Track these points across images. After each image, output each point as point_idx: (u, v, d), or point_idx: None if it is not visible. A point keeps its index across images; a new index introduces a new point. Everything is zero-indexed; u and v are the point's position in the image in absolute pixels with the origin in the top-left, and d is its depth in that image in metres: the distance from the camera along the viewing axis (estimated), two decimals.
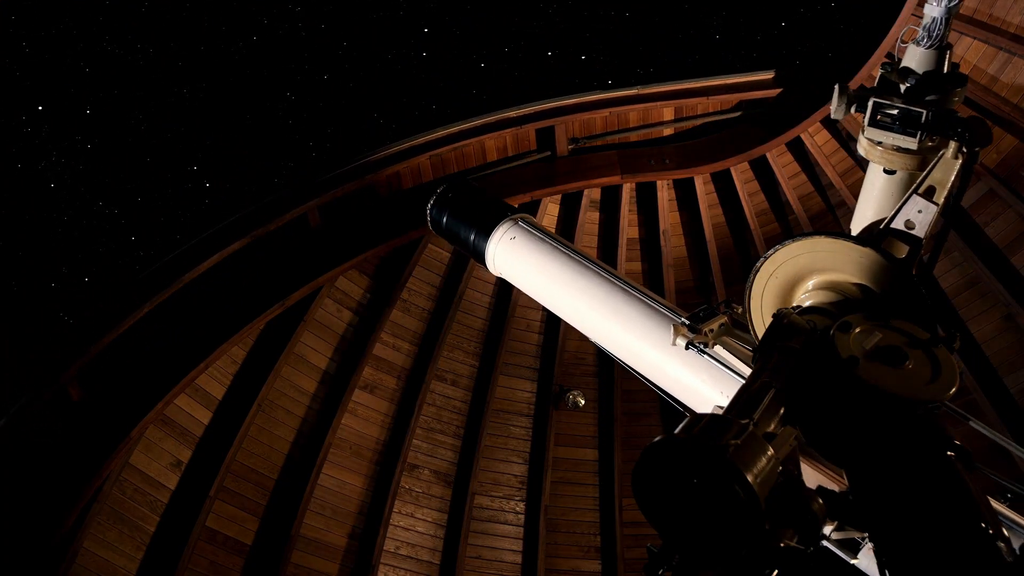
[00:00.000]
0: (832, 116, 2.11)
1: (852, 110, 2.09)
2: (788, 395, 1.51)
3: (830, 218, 7.52)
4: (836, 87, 2.08)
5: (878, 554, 1.34)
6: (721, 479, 1.22)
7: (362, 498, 6.98)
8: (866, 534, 1.42)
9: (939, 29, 2.04)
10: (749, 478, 1.21)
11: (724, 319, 2.08)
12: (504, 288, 7.60)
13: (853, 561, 1.55)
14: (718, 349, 2.05)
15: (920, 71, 2.08)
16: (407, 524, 7.07)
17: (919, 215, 1.94)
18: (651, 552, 1.33)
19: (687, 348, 2.03)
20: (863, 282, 1.84)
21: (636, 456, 1.31)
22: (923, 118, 1.98)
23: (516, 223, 2.65)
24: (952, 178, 1.99)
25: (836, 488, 1.56)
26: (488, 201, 2.81)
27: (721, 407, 1.92)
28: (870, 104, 2.03)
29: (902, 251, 1.93)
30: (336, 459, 6.86)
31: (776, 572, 1.25)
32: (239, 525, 6.35)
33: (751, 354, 2.03)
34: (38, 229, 16.55)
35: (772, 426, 1.43)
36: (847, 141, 7.26)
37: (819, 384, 1.56)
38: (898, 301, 1.79)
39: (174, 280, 5.92)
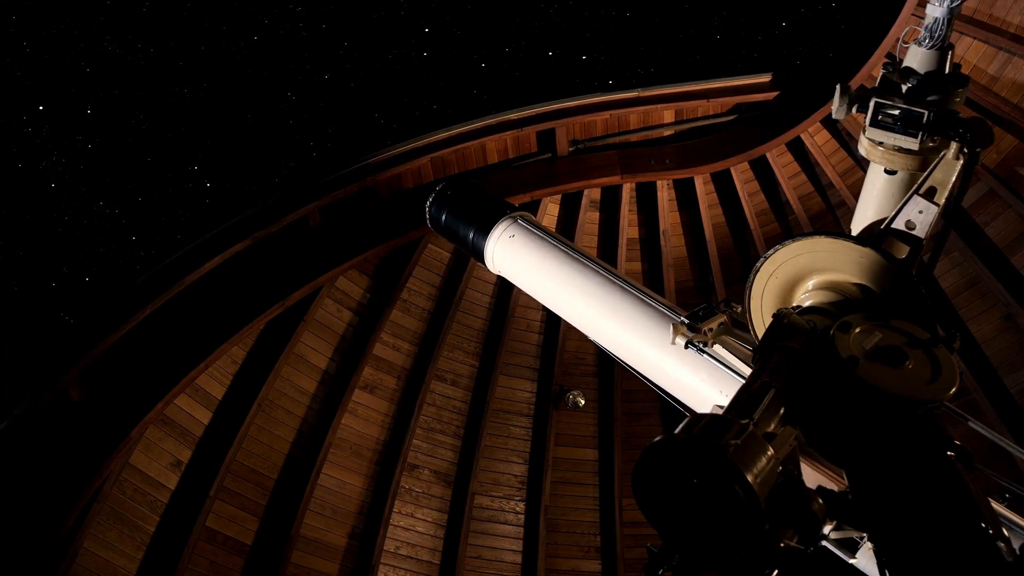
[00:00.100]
0: (833, 116, 2.11)
1: (853, 110, 2.09)
2: (788, 395, 1.51)
3: (830, 218, 7.52)
4: (838, 87, 2.08)
5: (878, 554, 1.34)
6: (721, 479, 1.22)
7: (362, 498, 6.98)
8: (864, 534, 1.42)
9: (941, 29, 2.04)
10: (749, 478, 1.21)
11: (723, 318, 2.09)
12: (504, 288, 7.60)
13: (851, 561, 1.55)
14: (717, 348, 2.05)
15: (922, 71, 2.08)
16: (407, 524, 7.07)
17: (920, 216, 1.94)
18: (651, 552, 1.33)
19: (686, 347, 2.03)
20: (863, 282, 1.84)
21: (636, 456, 1.31)
22: (925, 118, 1.98)
23: (515, 221, 2.65)
24: (953, 179, 1.99)
25: (836, 488, 1.56)
26: (487, 199, 2.81)
27: (720, 406, 1.92)
28: (872, 104, 2.03)
29: (903, 251, 1.93)
30: (336, 459, 6.86)
31: (776, 572, 1.25)
32: (239, 525, 6.35)
33: (750, 353, 2.03)
34: (39, 229, 16.56)
35: (772, 426, 1.43)
36: (847, 141, 7.26)
37: (819, 384, 1.56)
38: (898, 301, 1.79)
39: (175, 282, 5.93)
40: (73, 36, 16.84)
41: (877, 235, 1.98)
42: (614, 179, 7.40)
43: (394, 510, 7.00)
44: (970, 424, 1.81)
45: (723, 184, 7.73)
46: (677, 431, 1.32)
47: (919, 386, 1.47)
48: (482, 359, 7.58)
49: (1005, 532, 1.22)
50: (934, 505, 1.27)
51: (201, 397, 6.30)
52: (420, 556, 7.04)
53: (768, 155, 7.45)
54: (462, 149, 6.91)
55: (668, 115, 7.41)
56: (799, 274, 1.93)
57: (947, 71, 2.10)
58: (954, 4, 2.02)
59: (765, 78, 7.28)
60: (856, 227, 2.31)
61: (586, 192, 7.56)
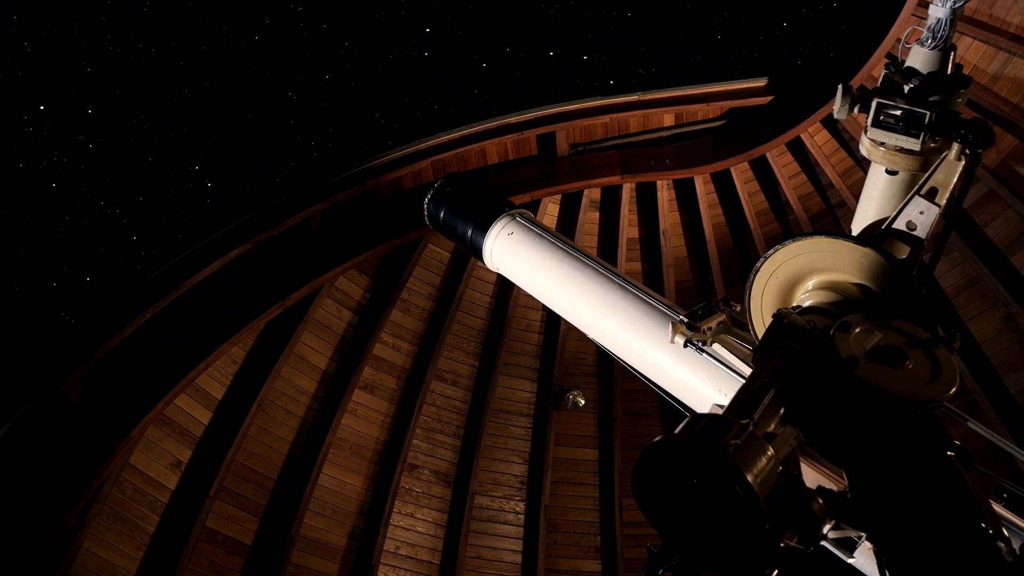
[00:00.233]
0: (835, 116, 2.10)
1: (855, 110, 2.09)
2: (788, 395, 1.51)
3: (830, 218, 7.52)
4: (840, 87, 2.08)
5: (878, 554, 1.34)
6: (721, 479, 1.22)
7: (362, 498, 6.98)
8: (862, 533, 1.42)
9: (944, 30, 2.04)
10: (749, 478, 1.21)
11: (723, 317, 2.09)
12: (504, 288, 7.60)
13: (850, 560, 1.55)
14: (716, 347, 2.05)
15: (924, 72, 2.08)
16: (407, 524, 7.07)
17: (921, 216, 1.94)
18: (651, 552, 1.33)
19: (685, 346, 2.03)
20: (863, 282, 1.84)
21: (636, 456, 1.31)
22: (926, 119, 1.97)
23: (514, 218, 2.65)
24: (954, 180, 1.99)
25: (836, 488, 1.56)
26: (486, 196, 2.80)
27: (719, 405, 1.92)
28: (873, 104, 2.03)
29: (903, 252, 1.93)
30: (336, 459, 6.86)
31: (776, 572, 1.25)
32: (239, 525, 6.35)
33: (749, 352, 2.03)
34: (40, 229, 16.56)
35: (772, 426, 1.43)
36: (847, 141, 7.26)
37: (819, 384, 1.56)
38: (898, 301, 1.79)
39: (177, 286, 5.95)
40: (74, 36, 16.84)
41: (878, 235, 1.97)
42: (614, 179, 7.40)
43: (394, 510, 7.00)
44: (969, 424, 1.81)
45: (723, 184, 7.73)
46: (677, 431, 1.32)
47: (919, 386, 1.47)
48: (482, 359, 7.58)
49: (1005, 532, 1.22)
50: (934, 505, 1.27)
51: (201, 397, 6.30)
52: (420, 556, 7.04)
53: (768, 155, 7.45)
54: (462, 152, 6.92)
55: (668, 119, 7.42)
56: (799, 274, 1.93)
57: (949, 71, 2.09)
58: (957, 5, 2.01)
59: (764, 82, 7.29)
60: (857, 227, 2.31)
61: (586, 192, 7.56)
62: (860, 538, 1.44)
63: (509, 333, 7.59)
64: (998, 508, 1.72)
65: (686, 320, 2.04)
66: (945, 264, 6.65)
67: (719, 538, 1.24)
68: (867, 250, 1.80)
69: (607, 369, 7.64)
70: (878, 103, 2.02)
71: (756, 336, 2.04)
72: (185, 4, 17.66)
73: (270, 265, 6.54)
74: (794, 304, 1.96)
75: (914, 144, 2.02)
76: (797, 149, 7.49)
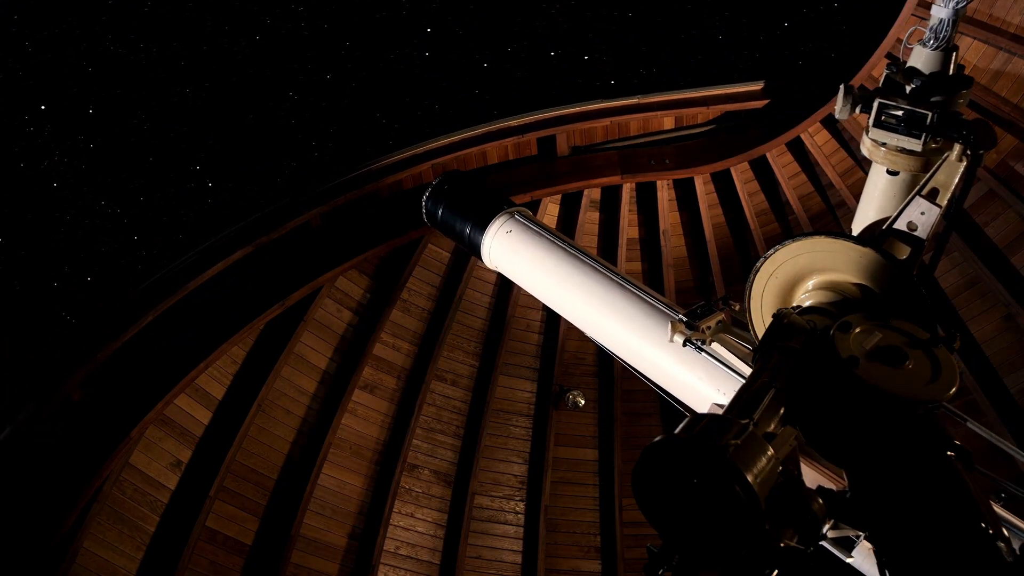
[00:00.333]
0: (837, 116, 2.10)
1: (857, 110, 2.09)
2: (788, 395, 1.51)
3: (830, 218, 7.52)
4: (842, 87, 2.07)
5: (878, 554, 1.34)
6: (721, 479, 1.22)
7: (362, 498, 6.98)
8: (861, 532, 1.42)
9: (946, 30, 2.04)
10: (749, 478, 1.21)
11: (721, 316, 2.09)
12: (504, 288, 7.60)
13: (848, 560, 1.55)
14: (715, 346, 2.05)
15: (926, 72, 2.08)
16: (407, 524, 7.07)
17: (922, 217, 1.94)
18: (651, 552, 1.33)
19: (684, 345, 2.03)
20: (863, 282, 1.84)
21: (636, 456, 1.31)
22: (928, 120, 1.97)
23: (512, 216, 2.65)
24: (956, 181, 1.99)
25: (836, 488, 1.56)
26: (484, 194, 2.80)
27: (718, 405, 1.92)
28: (875, 105, 2.03)
29: (904, 252, 1.93)
30: (336, 459, 6.86)
31: (776, 572, 1.25)
32: (239, 525, 6.35)
33: (748, 352, 2.03)
34: (40, 228, 16.55)
35: (772, 426, 1.43)
36: (847, 141, 7.26)
37: (819, 384, 1.56)
38: (898, 301, 1.79)
39: (178, 288, 5.98)
40: (75, 36, 16.84)
41: (878, 235, 1.97)
42: (614, 179, 7.40)
43: (394, 510, 7.00)
44: (969, 425, 1.81)
45: (723, 184, 7.73)
46: (677, 431, 1.32)
47: (919, 386, 1.47)
48: (482, 359, 7.58)
49: (1005, 532, 1.22)
50: (934, 505, 1.27)
51: (201, 397, 6.31)
52: (420, 556, 7.04)
53: (768, 155, 7.45)
54: (463, 155, 6.94)
55: (668, 122, 7.44)
56: (799, 274, 1.93)
57: (951, 72, 2.09)
58: (959, 5, 2.01)
59: (763, 84, 7.30)
60: (857, 227, 2.31)
61: (586, 192, 7.56)
62: (858, 537, 1.44)
63: (509, 333, 7.59)
64: (997, 508, 1.72)
65: (685, 319, 2.04)
66: (945, 264, 6.65)
67: (719, 538, 1.24)
68: (867, 250, 1.80)
69: (607, 369, 7.64)
70: (880, 103, 2.02)
71: (756, 336, 2.04)
72: (186, 4, 17.67)
73: (270, 265, 6.55)
74: (794, 304, 1.95)
75: (915, 145, 2.02)
76: (797, 149, 7.49)
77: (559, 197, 7.68)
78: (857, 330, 1.59)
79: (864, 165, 6.99)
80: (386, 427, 7.19)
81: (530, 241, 2.55)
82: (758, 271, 1.97)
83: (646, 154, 7.42)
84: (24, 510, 5.31)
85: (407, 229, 6.90)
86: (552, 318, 7.70)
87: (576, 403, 7.54)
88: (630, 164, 7.38)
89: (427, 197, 2.84)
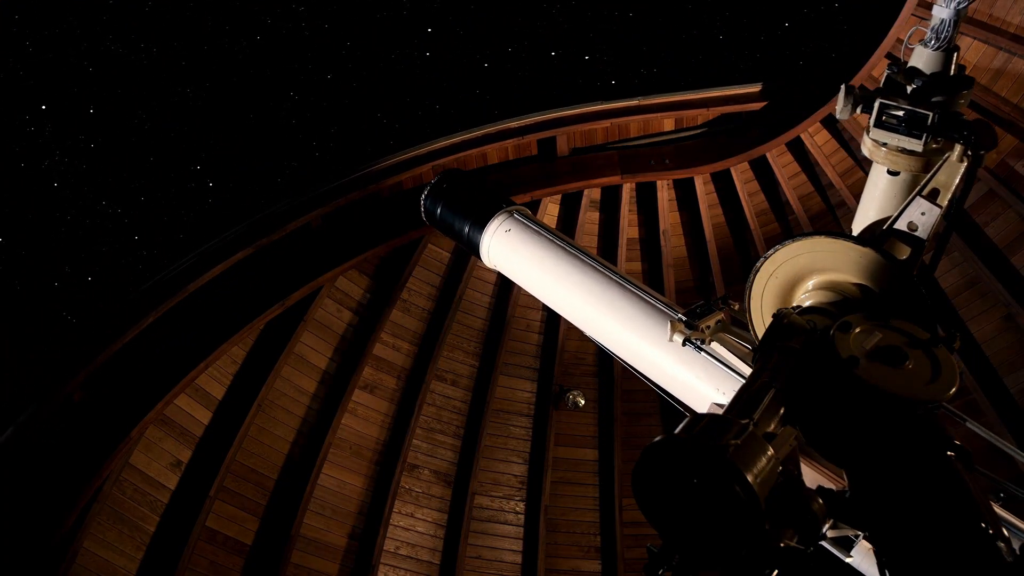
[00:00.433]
0: (838, 116, 2.10)
1: (858, 110, 2.08)
2: (788, 395, 1.51)
3: (830, 218, 7.52)
4: (843, 87, 2.07)
5: (878, 554, 1.34)
6: (721, 479, 1.22)
7: (362, 498, 6.98)
8: (860, 532, 1.42)
9: (947, 31, 2.04)
10: (749, 478, 1.21)
11: (721, 316, 2.08)
12: (504, 288, 7.60)
13: (847, 559, 1.55)
14: (715, 346, 2.05)
15: (927, 72, 2.07)
16: (407, 524, 7.07)
17: (922, 217, 1.94)
18: (651, 552, 1.33)
19: (684, 344, 2.02)
20: (863, 282, 1.84)
21: (636, 456, 1.31)
22: (929, 120, 1.97)
23: (511, 215, 2.64)
24: (956, 181, 1.98)
25: (835, 488, 1.56)
26: (483, 193, 2.79)
27: (718, 404, 1.92)
28: (876, 105, 2.02)
29: (904, 252, 1.93)
30: (336, 459, 6.86)
31: (776, 572, 1.25)
32: (239, 525, 6.35)
33: (747, 351, 2.03)
34: (41, 228, 16.56)
35: (772, 426, 1.43)
36: (847, 141, 7.26)
37: (819, 384, 1.56)
38: (898, 301, 1.79)
39: (179, 289, 5.99)
40: (76, 35, 16.84)
41: (878, 235, 1.97)
42: (614, 179, 7.40)
43: (394, 510, 7.00)
44: (968, 425, 1.81)
45: (723, 184, 7.73)
46: (677, 431, 1.32)
47: (919, 386, 1.47)
48: (482, 359, 7.58)
49: (1005, 532, 1.22)
50: (934, 505, 1.27)
51: (201, 397, 6.31)
52: (420, 556, 7.04)
53: (768, 155, 7.45)
54: (463, 157, 6.94)
55: (668, 123, 7.44)
56: (799, 274, 1.93)
57: (952, 72, 2.09)
58: (961, 6, 2.01)
59: (763, 86, 7.31)
60: (857, 227, 2.31)
61: (586, 192, 7.56)
62: (857, 537, 1.44)
63: (509, 333, 7.59)
64: (997, 508, 1.72)
65: (684, 318, 2.04)
66: (945, 264, 6.65)
67: (719, 538, 1.24)
68: (867, 250, 1.80)
69: (607, 369, 7.64)
70: (881, 104, 2.02)
71: (756, 336, 2.04)
72: (187, 4, 17.67)
73: (270, 265, 6.55)
74: (794, 304, 1.95)
75: (916, 145, 2.01)
76: (797, 149, 7.49)
77: (559, 197, 7.68)
78: (857, 330, 1.59)
79: (864, 165, 6.99)
80: (386, 427, 7.19)
81: (529, 240, 2.54)
82: (758, 271, 1.97)
83: (646, 154, 7.42)
84: (24, 510, 5.31)
85: (407, 229, 6.91)
86: (552, 318, 7.70)
87: (576, 403, 7.54)
88: (630, 164, 7.39)
89: (426, 196, 2.84)
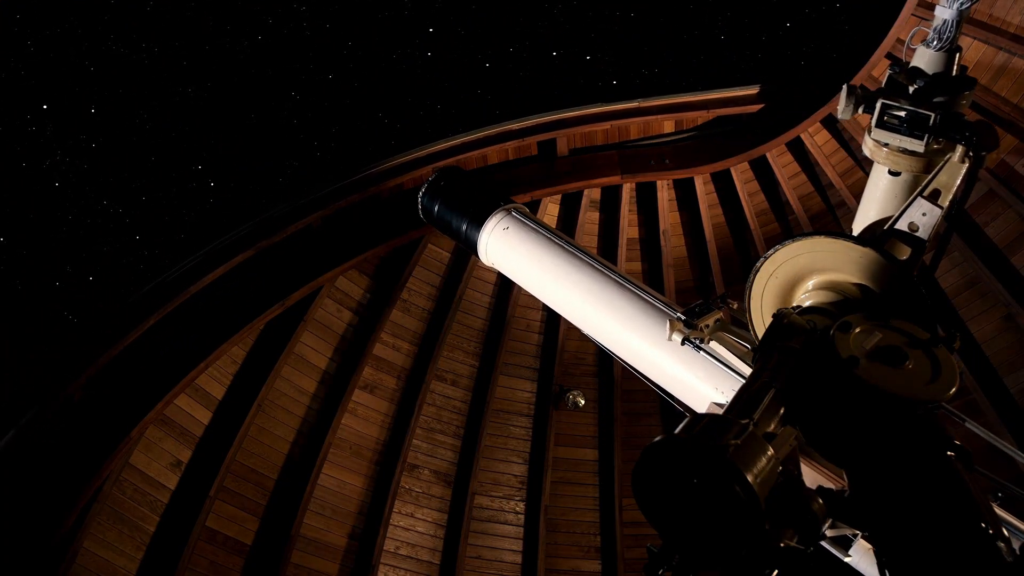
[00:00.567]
0: (839, 116, 2.10)
1: (859, 111, 2.08)
2: (788, 395, 1.51)
3: (830, 218, 7.52)
4: (844, 87, 2.07)
5: (878, 554, 1.34)
6: (721, 479, 1.22)
7: (362, 498, 6.98)
8: (858, 531, 1.42)
9: (950, 31, 2.03)
10: (749, 478, 1.21)
11: (720, 315, 2.08)
12: (504, 288, 7.60)
13: (847, 559, 1.55)
14: (714, 345, 2.05)
15: (929, 73, 2.07)
16: (407, 524, 7.07)
17: (923, 218, 1.93)
18: (651, 552, 1.33)
19: (683, 344, 2.02)
20: (863, 282, 1.84)
21: (636, 456, 1.31)
22: (931, 121, 1.96)
23: (509, 213, 2.63)
24: (958, 182, 1.98)
25: (835, 488, 1.56)
26: (481, 190, 2.78)
27: (717, 404, 1.92)
28: (878, 105, 2.02)
29: (905, 253, 1.93)
30: (336, 459, 6.86)
31: (776, 572, 1.24)
32: (239, 525, 6.35)
33: (747, 351, 2.03)
34: (42, 228, 16.57)
35: (772, 426, 1.43)
36: (847, 141, 7.26)
37: (819, 384, 1.56)
38: (898, 301, 1.78)
39: (180, 292, 5.99)
40: (77, 35, 16.85)
41: (879, 236, 1.97)
42: (614, 179, 7.40)
43: (394, 510, 7.00)
44: (967, 425, 1.81)
45: (723, 184, 7.73)
46: (677, 431, 1.32)
47: (919, 386, 1.46)
48: (482, 359, 7.58)
49: (1005, 532, 1.22)
50: (934, 505, 1.27)
51: (201, 397, 6.31)
52: (420, 556, 7.04)
53: (768, 155, 7.45)
54: (463, 159, 6.95)
55: (668, 125, 7.45)
56: (799, 274, 1.93)
57: (954, 73, 2.09)
58: (963, 6, 2.00)
59: (761, 88, 7.31)
60: (858, 227, 2.31)
61: (586, 192, 7.56)
62: (856, 536, 1.44)
63: (509, 333, 7.59)
64: (996, 509, 1.72)
65: (683, 317, 2.03)
66: (945, 264, 6.65)
67: (719, 538, 1.24)
68: (867, 250, 1.80)
69: (607, 369, 7.64)
70: (883, 104, 2.01)
71: (756, 336, 2.04)
72: (188, 4, 17.68)
73: (270, 265, 6.55)
74: (794, 304, 1.95)
75: (918, 146, 2.01)
76: (797, 149, 7.49)
77: (559, 197, 7.68)
78: (857, 330, 1.58)
79: (864, 165, 6.99)
80: (386, 427, 7.19)
81: (527, 238, 2.53)
82: (758, 271, 1.96)
83: (646, 154, 7.42)
84: (24, 510, 5.31)
85: (407, 229, 6.91)
86: (552, 318, 7.70)
87: (576, 403, 7.54)
88: (630, 164, 7.39)
89: (423, 194, 2.82)
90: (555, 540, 7.32)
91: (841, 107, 2.09)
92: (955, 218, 2.00)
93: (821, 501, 1.32)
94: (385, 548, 6.87)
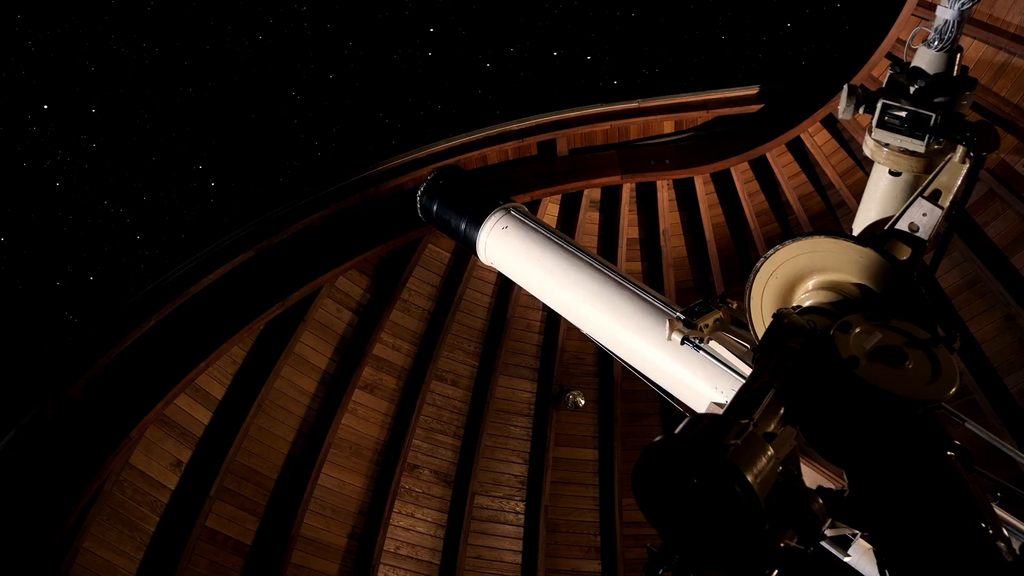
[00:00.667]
0: (840, 116, 2.09)
1: (860, 111, 2.08)
2: (788, 395, 1.51)
3: (830, 218, 7.52)
4: (845, 88, 2.07)
5: (878, 554, 1.34)
6: (721, 479, 1.22)
7: (362, 498, 6.98)
8: (857, 530, 1.42)
9: (951, 31, 2.03)
10: (749, 478, 1.21)
11: (719, 314, 2.08)
12: (504, 288, 7.60)
13: (846, 559, 1.55)
14: (713, 345, 2.04)
15: (930, 73, 2.07)
16: (407, 524, 7.07)
17: (924, 218, 1.93)
18: (651, 552, 1.33)
19: (682, 343, 2.02)
20: (863, 282, 1.84)
21: (636, 456, 1.31)
22: (932, 121, 1.96)
23: (508, 212, 2.62)
24: (958, 183, 1.98)
25: (835, 488, 1.56)
26: (480, 189, 2.77)
27: (716, 403, 1.92)
28: (879, 105, 2.02)
29: (905, 253, 1.93)
30: (336, 459, 6.86)
31: (776, 572, 1.25)
32: (239, 525, 6.35)
33: (746, 350, 2.03)
34: (43, 228, 16.58)
35: (772, 426, 1.43)
36: (847, 141, 7.26)
37: (819, 384, 1.56)
38: (898, 301, 1.78)
39: (179, 293, 5.99)
40: (78, 35, 16.85)
41: (879, 236, 1.97)
42: (614, 179, 7.40)
43: (394, 510, 6.99)
44: (967, 425, 1.81)
45: (723, 184, 7.73)
46: (677, 431, 1.32)
47: (919, 386, 1.46)
48: (482, 359, 7.58)
49: (1005, 532, 1.22)
50: (934, 505, 1.27)
51: (201, 397, 6.30)
52: (420, 556, 7.04)
53: (768, 155, 7.45)
54: (463, 159, 6.95)
55: (668, 125, 7.45)
56: (799, 274, 1.93)
57: (955, 73, 2.08)
58: (965, 7, 2.00)
59: (760, 88, 7.31)
60: (858, 227, 2.31)
61: (586, 192, 7.56)
62: (855, 536, 1.44)
63: (509, 333, 7.59)
64: (996, 509, 1.72)
65: (683, 317, 2.03)
66: (945, 264, 6.65)
67: (719, 538, 1.24)
68: (867, 250, 1.80)
69: (607, 369, 7.64)
70: (884, 104, 2.01)
71: (756, 336, 2.04)
72: (189, 3, 17.68)
73: (270, 265, 6.55)
74: (794, 304, 1.95)
75: (919, 146, 2.00)
76: (797, 149, 7.49)
77: (559, 197, 7.68)
78: (857, 330, 1.58)
79: (864, 165, 6.99)
80: (386, 427, 7.19)
81: (526, 237, 2.53)
82: (758, 271, 1.96)
83: (646, 154, 7.43)
84: (24, 510, 5.30)
85: (407, 229, 6.91)
86: (552, 318, 7.70)
87: (576, 403, 7.54)
88: (630, 164, 7.39)
89: (422, 192, 2.82)
90: (555, 540, 7.32)
91: (842, 107, 2.09)
92: (955, 218, 2.00)
93: (821, 501, 1.32)
94: (385, 548, 6.87)
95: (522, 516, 7.36)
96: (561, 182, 7.31)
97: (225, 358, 6.41)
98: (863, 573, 1.73)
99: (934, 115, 1.96)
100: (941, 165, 2.01)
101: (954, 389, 1.47)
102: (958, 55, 2.07)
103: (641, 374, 2.23)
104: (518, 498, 7.40)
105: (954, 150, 2.00)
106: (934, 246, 2.01)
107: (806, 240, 1.87)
